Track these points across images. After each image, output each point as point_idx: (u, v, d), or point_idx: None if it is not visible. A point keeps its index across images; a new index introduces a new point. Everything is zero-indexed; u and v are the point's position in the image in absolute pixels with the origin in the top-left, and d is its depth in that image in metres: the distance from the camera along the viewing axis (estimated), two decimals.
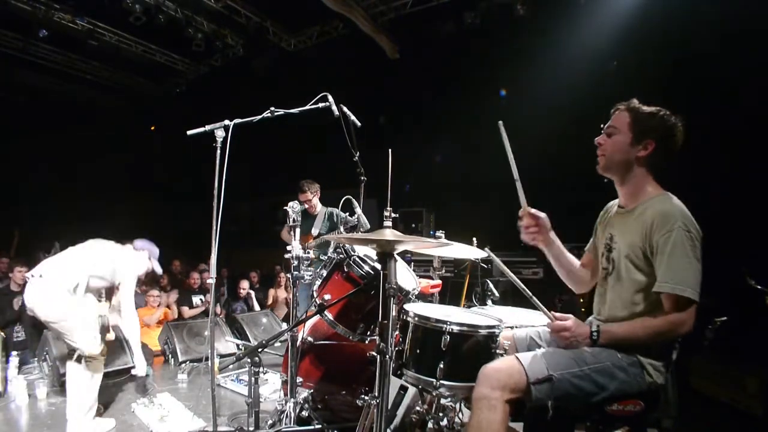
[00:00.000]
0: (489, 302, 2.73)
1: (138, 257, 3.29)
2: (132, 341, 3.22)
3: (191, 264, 7.41)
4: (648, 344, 1.65)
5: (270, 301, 6.78)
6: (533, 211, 1.91)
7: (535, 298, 1.86)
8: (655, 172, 1.77)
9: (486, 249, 2.19)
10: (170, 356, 4.59)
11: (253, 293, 6.48)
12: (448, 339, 1.83)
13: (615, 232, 1.82)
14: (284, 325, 5.52)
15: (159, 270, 3.57)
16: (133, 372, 3.28)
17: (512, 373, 1.61)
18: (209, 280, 2.51)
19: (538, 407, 1.60)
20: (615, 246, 1.80)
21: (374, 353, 1.58)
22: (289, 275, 2.74)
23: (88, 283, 2.98)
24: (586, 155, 1.97)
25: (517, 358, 1.65)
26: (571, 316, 1.78)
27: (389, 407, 1.97)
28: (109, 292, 3.24)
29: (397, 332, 2.01)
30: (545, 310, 1.83)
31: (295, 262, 2.68)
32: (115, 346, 4.02)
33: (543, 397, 1.59)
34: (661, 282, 1.61)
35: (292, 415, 2.54)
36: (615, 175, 1.81)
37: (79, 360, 2.90)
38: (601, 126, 1.85)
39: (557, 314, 1.82)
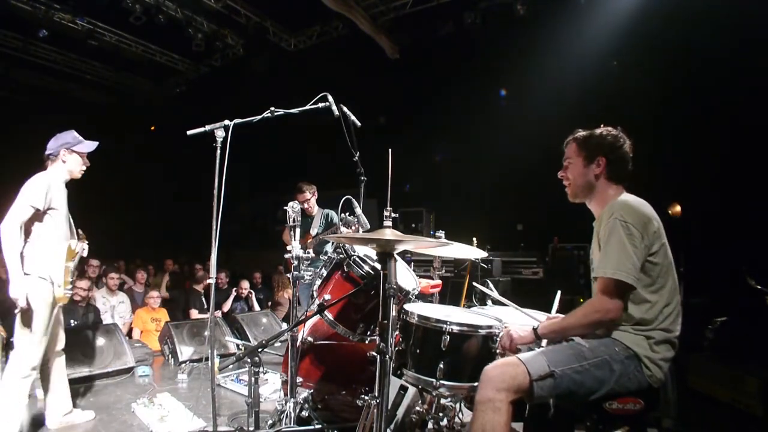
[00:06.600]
0: (489, 302, 2.72)
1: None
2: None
3: (192, 265, 7.41)
4: (585, 330, 1.72)
5: (273, 300, 6.79)
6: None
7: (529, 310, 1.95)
8: (617, 182, 1.87)
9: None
10: (170, 356, 4.59)
11: (253, 293, 6.48)
12: (448, 339, 1.83)
13: (591, 246, 1.92)
14: (284, 325, 5.51)
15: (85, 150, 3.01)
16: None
17: (516, 374, 1.62)
18: (209, 280, 2.50)
19: (539, 405, 1.60)
20: (591, 257, 1.93)
21: (374, 353, 1.58)
22: (289, 275, 2.73)
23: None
24: None
25: (518, 357, 1.67)
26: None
27: (389, 407, 1.97)
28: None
29: (397, 332, 2.01)
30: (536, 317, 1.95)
31: (295, 262, 2.68)
32: (115, 346, 4.04)
33: (545, 395, 1.60)
34: (595, 269, 1.72)
35: (292, 415, 2.53)
36: (584, 197, 1.93)
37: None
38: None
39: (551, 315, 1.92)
